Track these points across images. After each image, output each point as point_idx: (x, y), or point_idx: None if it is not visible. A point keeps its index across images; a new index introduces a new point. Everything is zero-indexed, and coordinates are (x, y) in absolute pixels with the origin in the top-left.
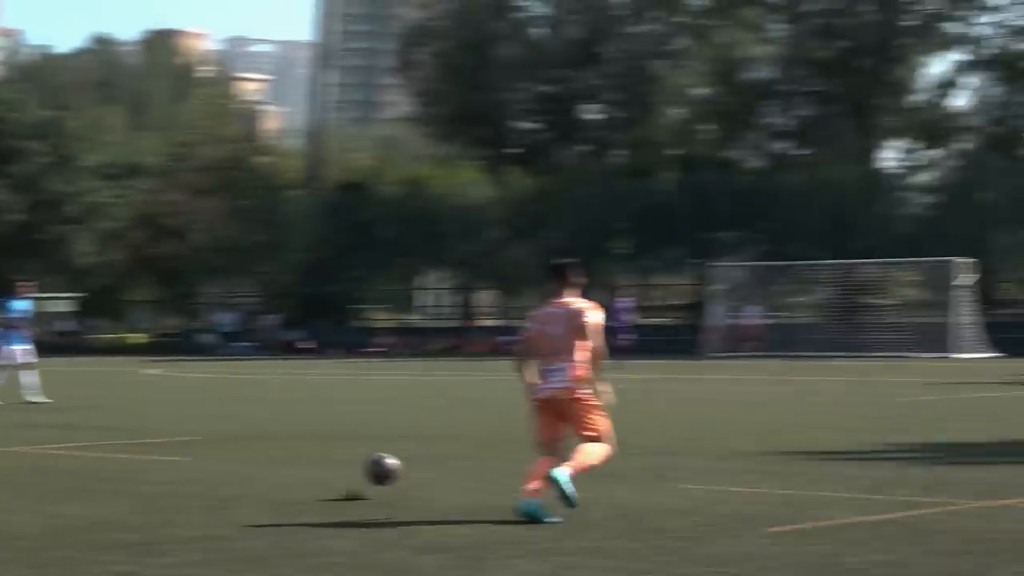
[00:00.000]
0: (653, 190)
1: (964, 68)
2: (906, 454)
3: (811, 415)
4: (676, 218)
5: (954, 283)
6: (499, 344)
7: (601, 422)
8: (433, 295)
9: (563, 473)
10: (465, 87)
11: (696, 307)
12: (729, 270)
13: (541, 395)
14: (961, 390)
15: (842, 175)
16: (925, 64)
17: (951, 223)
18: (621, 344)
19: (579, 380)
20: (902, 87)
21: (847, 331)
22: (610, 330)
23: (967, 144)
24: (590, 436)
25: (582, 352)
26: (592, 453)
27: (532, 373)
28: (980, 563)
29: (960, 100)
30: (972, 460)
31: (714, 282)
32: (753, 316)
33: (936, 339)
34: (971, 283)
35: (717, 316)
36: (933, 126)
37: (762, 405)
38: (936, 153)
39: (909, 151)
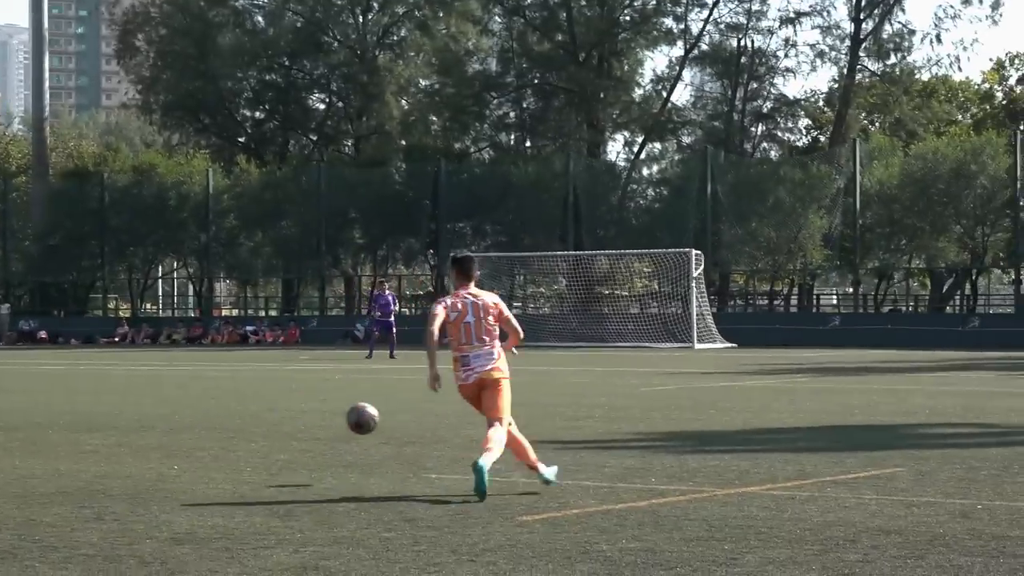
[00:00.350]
0: (385, 180)
1: (682, 63)
2: (650, 443)
3: (540, 405)
4: (410, 208)
5: (692, 275)
6: (240, 334)
7: (507, 407)
8: (172, 285)
9: (550, 472)
10: (187, 75)
11: (434, 298)
12: None
13: (469, 380)
14: (701, 380)
15: (573, 167)
16: (646, 59)
17: (681, 216)
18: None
19: (499, 363)
20: (625, 81)
21: (588, 321)
22: (386, 325)
23: (689, 138)
24: (496, 419)
25: (494, 337)
26: (498, 443)
27: (432, 355)
28: (730, 549)
29: (682, 95)
30: (715, 448)
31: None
32: None
33: (675, 330)
34: (698, 274)
35: None
36: (656, 120)
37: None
38: (662, 147)
39: (636, 144)
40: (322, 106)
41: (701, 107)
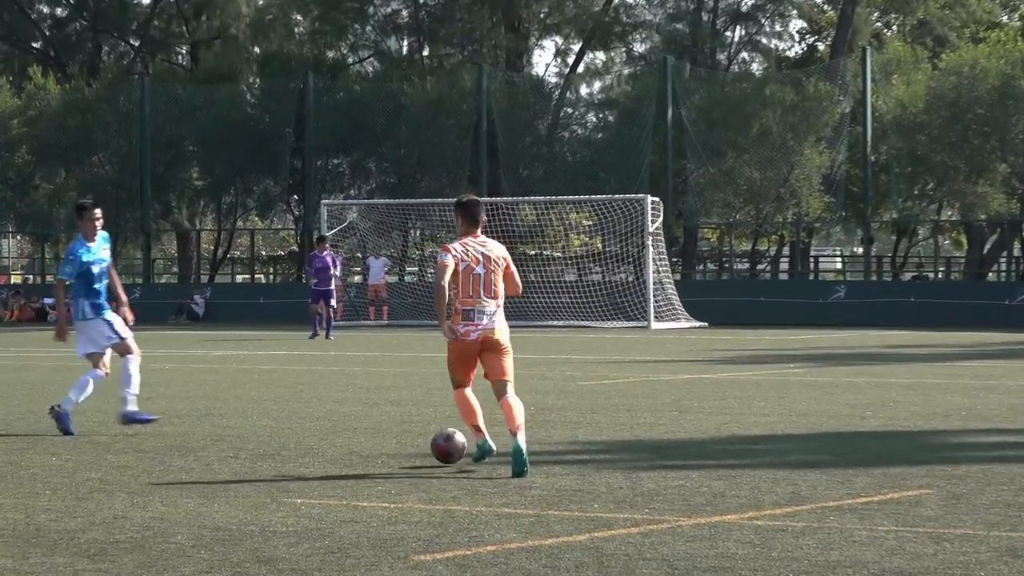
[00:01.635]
0: (233, 101)
1: None
2: (592, 456)
3: (444, 405)
4: (267, 139)
5: (647, 229)
6: (36, 308)
7: (511, 365)
8: None
9: (523, 444)
10: None
11: (300, 259)
12: (344, 210)
13: (472, 336)
14: (660, 371)
15: (486, 84)
16: None
17: (632, 150)
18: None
19: (503, 327)
20: None
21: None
22: (324, 294)
23: (643, 46)
24: (504, 381)
25: (500, 295)
26: (521, 409)
27: (444, 311)
28: None
29: None
30: (679, 463)
31: (325, 226)
32: (377, 272)
33: (625, 303)
34: (655, 229)
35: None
36: (599, 22)
37: (394, 391)
38: (607, 57)
39: (571, 54)
40: (146, 0)
41: (659, 4)
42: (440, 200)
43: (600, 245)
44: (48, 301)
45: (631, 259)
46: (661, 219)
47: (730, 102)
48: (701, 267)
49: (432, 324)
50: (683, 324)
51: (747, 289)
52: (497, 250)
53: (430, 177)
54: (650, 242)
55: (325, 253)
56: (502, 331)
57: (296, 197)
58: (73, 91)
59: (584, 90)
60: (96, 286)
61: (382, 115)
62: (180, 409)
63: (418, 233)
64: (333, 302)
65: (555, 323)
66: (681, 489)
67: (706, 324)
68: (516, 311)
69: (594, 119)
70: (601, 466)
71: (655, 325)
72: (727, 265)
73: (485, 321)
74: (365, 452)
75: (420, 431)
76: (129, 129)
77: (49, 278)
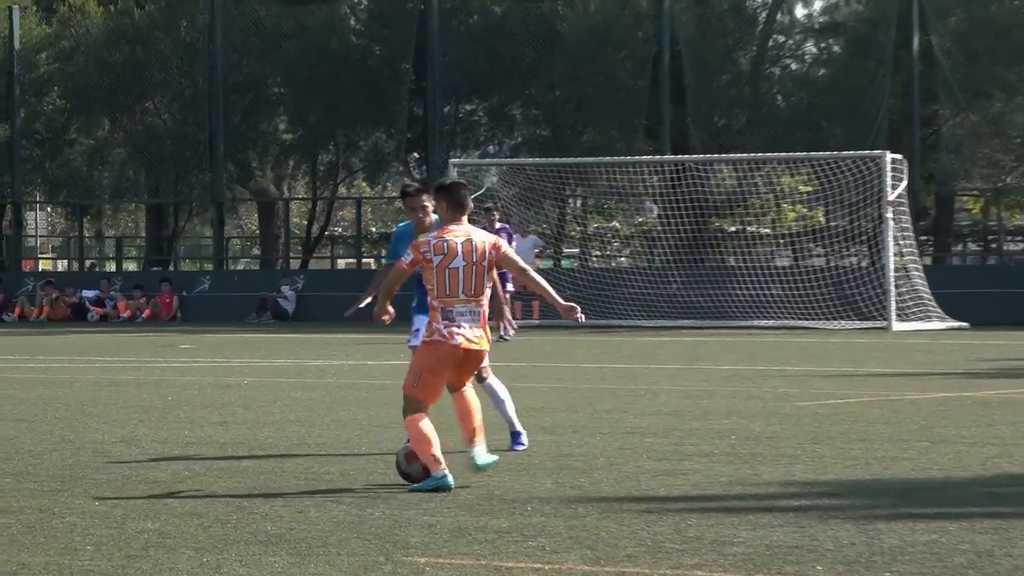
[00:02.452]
0: (332, 27)
1: None
2: (814, 500)
3: (616, 433)
4: (378, 78)
5: (887, 198)
6: (73, 303)
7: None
8: None
9: (488, 458)
10: None
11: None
12: (480, 172)
13: (455, 340)
14: (905, 387)
15: (668, 4)
16: None
17: (864, 92)
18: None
19: (486, 333)
20: None
21: (699, 281)
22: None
23: None
24: (463, 385)
25: (485, 294)
26: (478, 410)
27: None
28: None
29: None
30: (930, 511)
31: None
32: (525, 255)
33: (857, 296)
34: (897, 197)
35: None
36: None
37: (548, 413)
38: None
39: None
40: None
41: None
42: (608, 160)
43: (823, 219)
44: (88, 295)
45: (864, 237)
46: (905, 184)
47: (998, 26)
48: (960, 248)
49: (600, 325)
50: (935, 324)
51: (1022, 277)
52: (483, 239)
53: (594, 128)
54: (890, 215)
55: (499, 225)
56: (486, 346)
57: (416, 155)
58: (120, 15)
59: (800, 11)
60: None
61: (530, 45)
62: (264, 438)
63: (579, 203)
64: (509, 287)
65: (763, 323)
66: (934, 546)
67: (967, 324)
68: (711, 306)
69: (814, 50)
70: (826, 515)
71: (897, 326)
72: (994, 245)
73: (467, 323)
74: (510, 495)
75: (583, 467)
76: (194, 65)
77: (89, 263)
